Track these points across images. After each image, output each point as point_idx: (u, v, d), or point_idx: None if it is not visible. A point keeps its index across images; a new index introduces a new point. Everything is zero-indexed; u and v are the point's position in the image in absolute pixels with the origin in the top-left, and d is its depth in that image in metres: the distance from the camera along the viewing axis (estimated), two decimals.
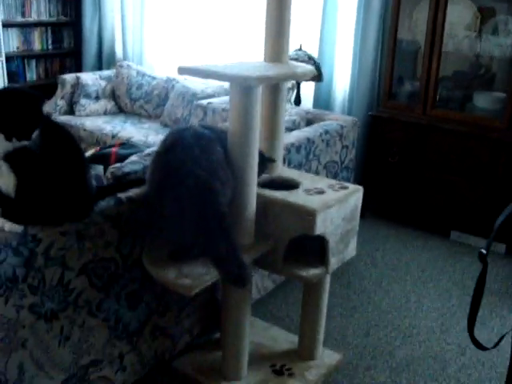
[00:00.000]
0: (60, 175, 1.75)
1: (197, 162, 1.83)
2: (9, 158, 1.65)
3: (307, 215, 1.98)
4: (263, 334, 2.53)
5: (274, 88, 2.20)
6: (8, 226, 1.69)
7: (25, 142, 1.63)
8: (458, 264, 3.48)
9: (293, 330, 2.64)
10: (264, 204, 2.07)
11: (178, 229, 1.86)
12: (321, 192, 2.12)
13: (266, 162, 2.17)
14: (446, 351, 2.66)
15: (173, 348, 2.37)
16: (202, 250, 1.89)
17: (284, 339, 2.52)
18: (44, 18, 5.61)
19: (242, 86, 1.87)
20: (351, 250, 2.29)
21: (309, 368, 2.34)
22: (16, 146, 1.63)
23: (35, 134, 1.65)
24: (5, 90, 1.69)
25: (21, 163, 1.66)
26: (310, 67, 2.29)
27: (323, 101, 4.33)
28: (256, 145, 1.96)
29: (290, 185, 2.21)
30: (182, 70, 1.96)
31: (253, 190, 2.00)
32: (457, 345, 2.71)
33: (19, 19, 5.43)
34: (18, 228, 1.69)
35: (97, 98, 5.00)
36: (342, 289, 3.14)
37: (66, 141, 1.79)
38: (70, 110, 5.00)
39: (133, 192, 2.05)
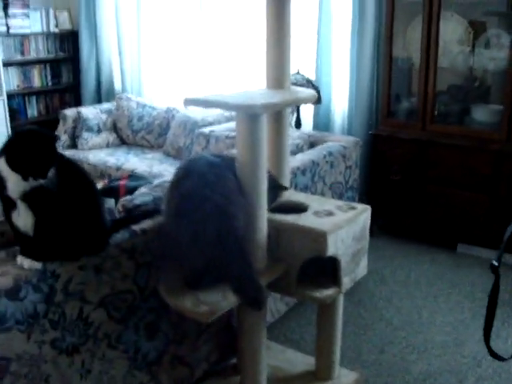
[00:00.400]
0: (76, 211, 1.78)
1: (212, 188, 1.85)
2: (26, 197, 1.68)
3: (319, 237, 2.01)
4: (279, 357, 2.55)
5: (277, 114, 2.24)
6: (27, 263, 1.72)
7: (41, 181, 1.67)
8: (467, 276, 3.50)
9: (308, 351, 2.65)
10: (275, 229, 2.10)
11: (194, 254, 1.88)
12: (330, 214, 2.15)
13: (277, 189, 2.21)
14: (462, 364, 2.67)
15: (191, 376, 2.38)
16: (218, 275, 1.91)
17: (300, 361, 2.53)
18: (42, 55, 5.70)
19: (248, 115, 1.90)
20: (362, 268, 2.31)
21: None
22: (33, 185, 1.67)
23: (51, 173, 1.68)
24: (19, 131, 1.73)
25: (38, 202, 1.70)
26: (311, 91, 2.34)
27: (323, 123, 4.38)
28: (264, 171, 1.99)
29: (299, 208, 2.24)
30: (188, 102, 1.99)
31: (263, 215, 2.03)
32: (472, 357, 2.72)
33: (19, 58, 5.53)
34: (38, 265, 1.72)
35: (98, 131, 5.05)
36: (354, 307, 3.16)
37: (80, 177, 1.84)
38: (73, 145, 5.04)
39: (146, 223, 2.09)
